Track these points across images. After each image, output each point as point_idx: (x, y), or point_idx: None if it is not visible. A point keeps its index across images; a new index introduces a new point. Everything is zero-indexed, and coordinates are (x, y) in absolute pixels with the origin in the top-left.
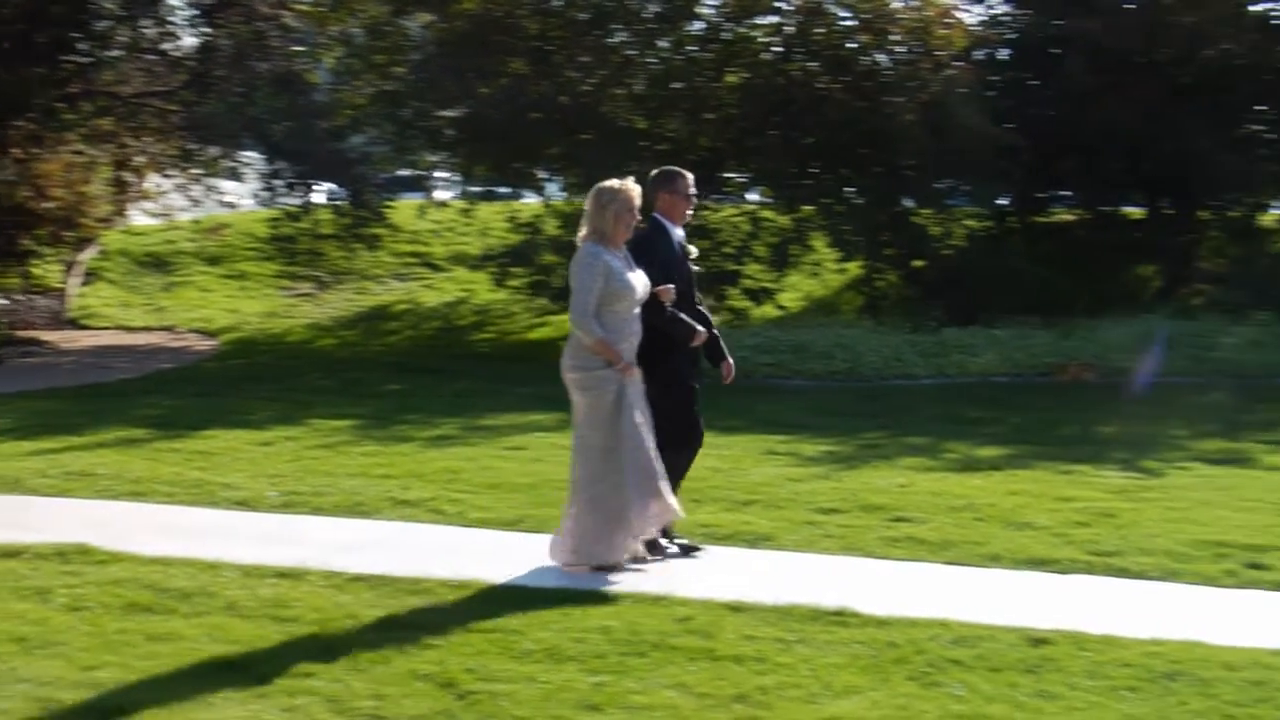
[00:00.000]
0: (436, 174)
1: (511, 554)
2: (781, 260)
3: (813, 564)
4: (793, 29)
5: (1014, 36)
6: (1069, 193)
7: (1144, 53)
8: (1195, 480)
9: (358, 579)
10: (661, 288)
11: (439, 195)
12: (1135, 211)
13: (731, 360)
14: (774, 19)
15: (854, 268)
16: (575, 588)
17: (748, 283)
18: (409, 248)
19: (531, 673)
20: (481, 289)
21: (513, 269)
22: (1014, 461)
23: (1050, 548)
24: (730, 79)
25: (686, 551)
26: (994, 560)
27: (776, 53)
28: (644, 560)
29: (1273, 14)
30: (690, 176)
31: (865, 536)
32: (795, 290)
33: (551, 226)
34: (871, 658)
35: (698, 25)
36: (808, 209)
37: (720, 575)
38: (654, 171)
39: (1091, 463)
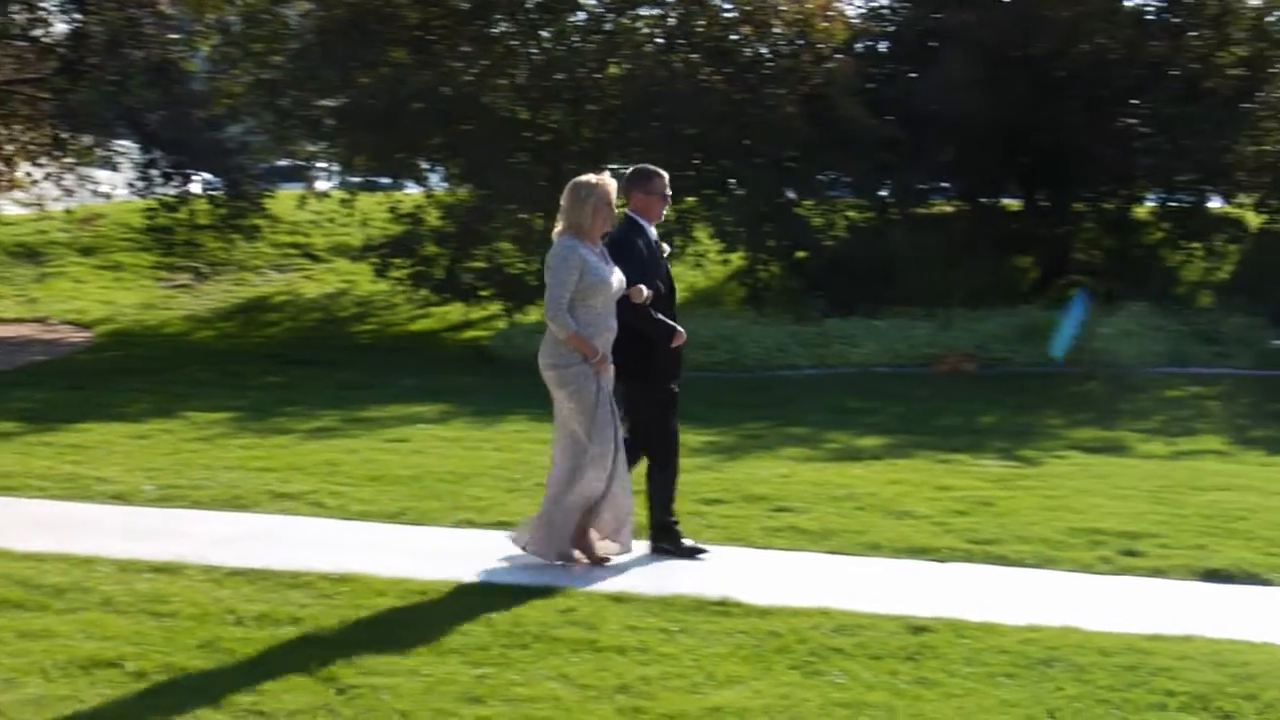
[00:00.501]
0: (316, 164)
1: (393, 546)
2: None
3: None
4: (675, 20)
5: (893, 29)
6: (948, 184)
7: (1020, 46)
8: (1072, 469)
9: (236, 573)
10: (634, 287)
11: (319, 185)
12: (1013, 203)
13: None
14: (656, 10)
15: (737, 259)
16: (458, 580)
17: None
18: (288, 239)
19: (413, 665)
20: (363, 280)
21: (394, 260)
22: (894, 451)
23: (930, 536)
24: (613, 70)
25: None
26: (875, 549)
27: (659, 44)
28: (604, 560)
29: (1146, 9)
30: (666, 176)
31: (747, 526)
32: (678, 282)
33: (433, 217)
34: (754, 647)
35: (580, 16)
36: (690, 200)
37: (603, 567)
38: (629, 170)
39: (971, 452)
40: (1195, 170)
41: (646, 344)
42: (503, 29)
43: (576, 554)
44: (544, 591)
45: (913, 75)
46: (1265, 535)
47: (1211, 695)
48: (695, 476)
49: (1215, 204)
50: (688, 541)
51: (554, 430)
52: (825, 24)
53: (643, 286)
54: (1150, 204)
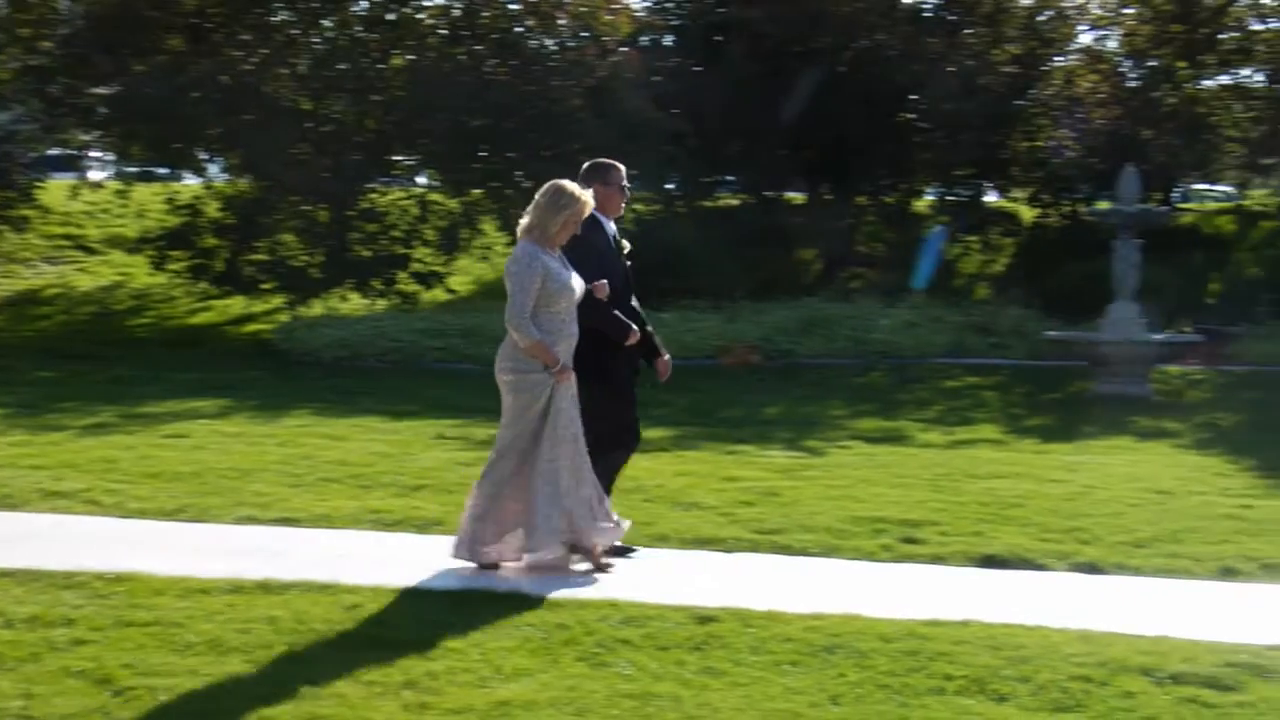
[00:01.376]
0: (90, 154)
1: (173, 544)
2: (451, 244)
3: None
4: (459, 11)
5: (679, 24)
6: (733, 178)
7: (803, 41)
8: (855, 458)
9: (5, 574)
10: (596, 284)
11: (93, 176)
12: (797, 196)
13: (668, 356)
14: (440, 1)
15: None
16: (240, 577)
17: (417, 267)
18: (60, 230)
19: (193, 666)
20: (139, 273)
21: (172, 252)
22: (681, 443)
23: (717, 527)
24: (396, 61)
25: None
26: (662, 540)
27: (443, 35)
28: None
29: (924, 6)
30: (623, 169)
31: None
32: (465, 274)
33: (213, 209)
34: (542, 640)
35: (362, 5)
36: (477, 193)
37: (391, 563)
38: (585, 164)
39: (757, 443)
40: (972, 165)
41: (603, 344)
42: (283, 17)
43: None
44: (328, 588)
45: (698, 69)
46: (1039, 521)
47: (988, 678)
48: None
49: (991, 198)
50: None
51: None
52: (610, 17)
53: (605, 282)
54: (929, 197)
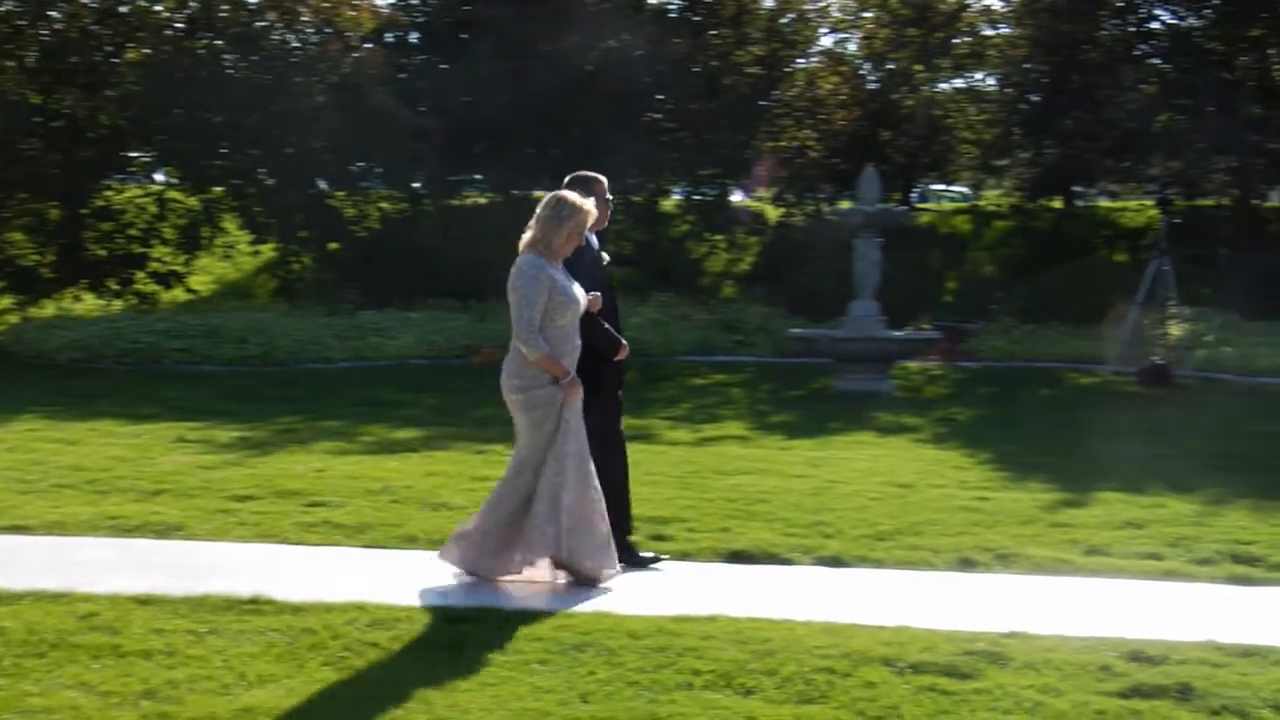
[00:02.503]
0: None
1: None
2: (191, 243)
3: (226, 553)
4: (197, 5)
5: (424, 20)
6: (481, 176)
7: (550, 40)
8: None
9: None
10: (591, 296)
11: None
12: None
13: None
14: None
15: (268, 250)
16: None
17: (155, 266)
18: None
19: None
20: None
21: None
22: (431, 443)
23: None
24: (132, 54)
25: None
26: (411, 542)
27: (180, 29)
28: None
29: (669, 7)
30: (605, 181)
31: (281, 523)
32: (206, 274)
33: None
34: (287, 645)
35: None
36: (218, 190)
37: (128, 569)
38: (569, 177)
39: (507, 443)
40: (717, 165)
41: (595, 359)
42: (8, 7)
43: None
44: (62, 597)
45: (444, 67)
46: (784, 517)
47: (735, 672)
48: (224, 473)
49: (737, 197)
50: (644, 553)
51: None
52: (353, 13)
53: (598, 295)
54: (677, 197)
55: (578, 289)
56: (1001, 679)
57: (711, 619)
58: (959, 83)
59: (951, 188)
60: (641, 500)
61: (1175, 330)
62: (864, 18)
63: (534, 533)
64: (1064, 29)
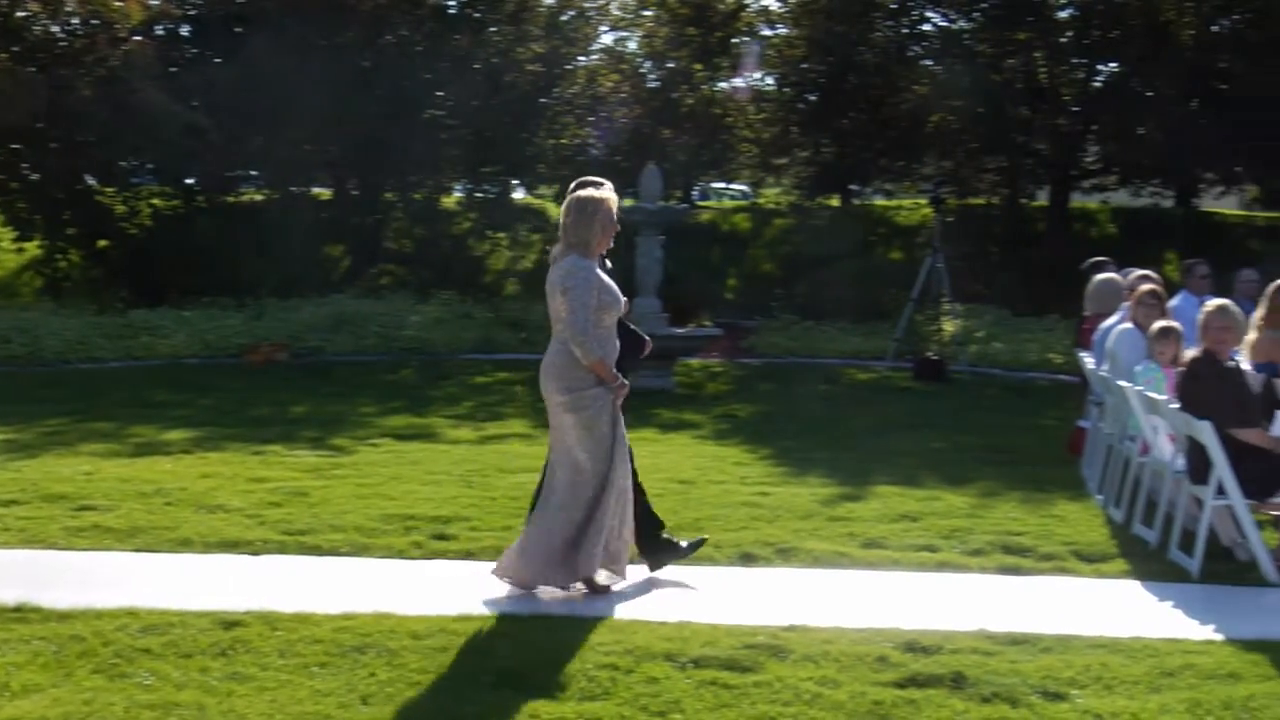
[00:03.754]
0: None
1: None
2: None
3: None
4: None
5: (196, 13)
6: (257, 173)
7: (327, 35)
8: (385, 456)
9: None
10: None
11: None
12: (324, 192)
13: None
14: None
15: (33, 248)
16: None
17: None
18: None
19: None
20: None
21: None
22: (205, 444)
23: (243, 529)
24: None
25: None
26: (185, 545)
27: None
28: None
29: (448, 4)
30: (609, 185)
31: (48, 528)
32: None
33: None
34: (54, 653)
35: None
36: None
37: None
38: (574, 183)
39: (284, 442)
40: (499, 162)
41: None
42: None
43: (600, 576)
44: None
45: (218, 61)
46: None
47: (518, 670)
48: None
49: (519, 195)
50: (682, 542)
51: (551, 454)
52: (120, 4)
53: (627, 300)
54: (458, 194)
55: (618, 289)
56: (781, 671)
57: (494, 618)
58: (738, 82)
59: (731, 186)
60: (423, 500)
61: (949, 326)
62: (644, 16)
63: (589, 539)
64: (839, 30)
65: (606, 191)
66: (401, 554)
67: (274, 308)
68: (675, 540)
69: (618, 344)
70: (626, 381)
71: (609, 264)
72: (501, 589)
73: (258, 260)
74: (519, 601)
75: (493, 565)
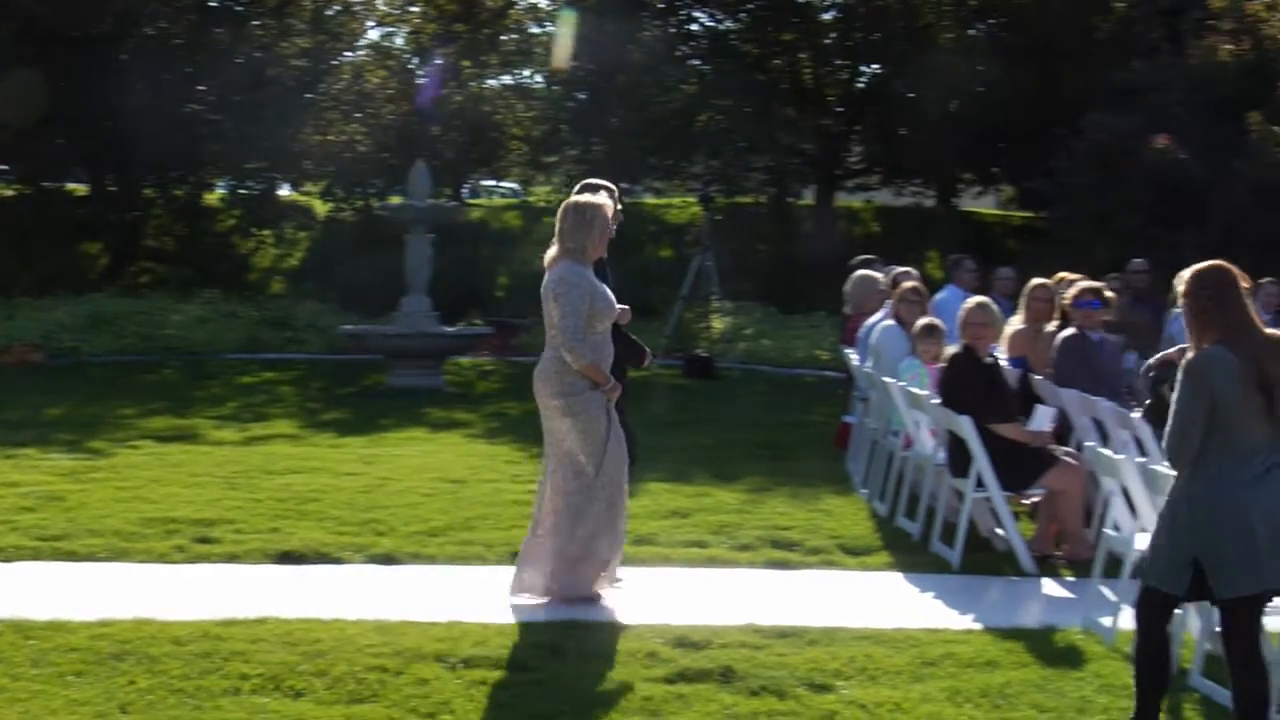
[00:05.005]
0: None
1: None
2: None
3: None
4: None
5: None
6: (7, 167)
7: (79, 26)
8: (146, 458)
9: None
10: (621, 308)
11: None
12: (79, 188)
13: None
14: None
15: None
16: None
17: None
18: None
19: None
20: None
21: None
22: None
23: None
24: None
25: None
26: None
27: None
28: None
29: None
30: (613, 188)
31: None
32: None
33: None
34: None
35: None
36: None
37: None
38: (579, 185)
39: (38, 446)
40: (263, 158)
41: (617, 369)
42: None
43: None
44: None
45: None
46: (336, 515)
47: (284, 675)
48: None
49: (285, 192)
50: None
51: (547, 463)
52: None
53: (626, 307)
54: (221, 191)
55: (611, 295)
56: (553, 670)
57: (260, 621)
58: (507, 79)
59: (502, 184)
60: (185, 503)
61: (718, 324)
62: (411, 12)
63: (600, 544)
64: (609, 28)
65: (604, 197)
66: (163, 558)
67: (27, 307)
68: None
69: (612, 349)
70: (618, 383)
71: (606, 269)
72: (268, 591)
73: (9, 258)
74: (284, 604)
75: (510, 583)
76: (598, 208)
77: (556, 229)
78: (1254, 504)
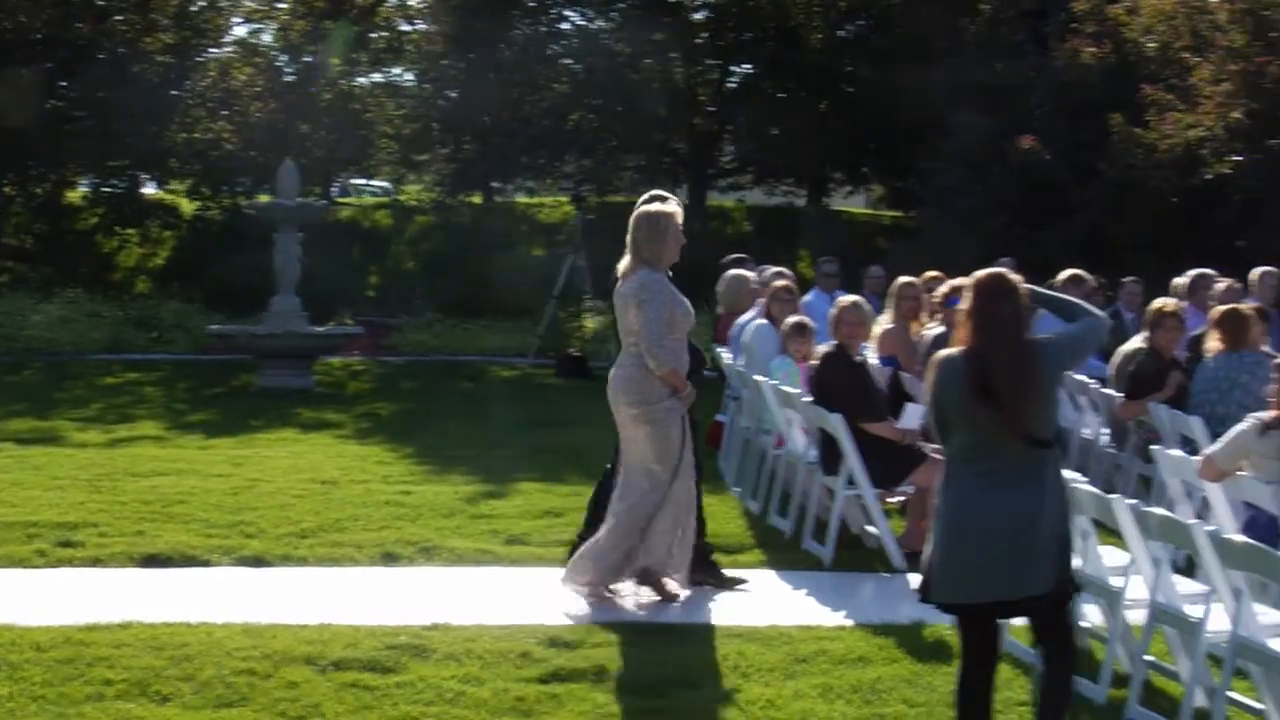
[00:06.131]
0: None
1: None
2: None
3: None
4: None
5: None
6: None
7: None
8: (6, 461)
9: None
10: None
11: None
12: None
13: None
14: None
15: None
16: None
17: None
18: None
19: None
20: None
21: None
22: None
23: None
24: None
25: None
26: None
27: None
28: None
29: None
30: (673, 199)
31: None
32: None
33: None
34: None
35: None
36: None
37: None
38: (646, 195)
39: None
40: (128, 156)
41: None
42: None
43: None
44: None
45: None
46: (203, 517)
47: (150, 680)
48: None
49: (150, 190)
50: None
51: (622, 467)
52: None
53: None
54: (84, 188)
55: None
56: (424, 671)
57: (124, 626)
58: (377, 77)
59: (372, 182)
60: (47, 506)
61: (590, 323)
62: (279, 8)
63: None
64: (479, 27)
65: (674, 206)
66: (23, 563)
67: None
68: (719, 568)
69: (688, 356)
70: (694, 389)
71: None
72: (133, 595)
73: None
74: (150, 608)
75: (560, 573)
76: (670, 216)
77: (629, 239)
78: (973, 511)
